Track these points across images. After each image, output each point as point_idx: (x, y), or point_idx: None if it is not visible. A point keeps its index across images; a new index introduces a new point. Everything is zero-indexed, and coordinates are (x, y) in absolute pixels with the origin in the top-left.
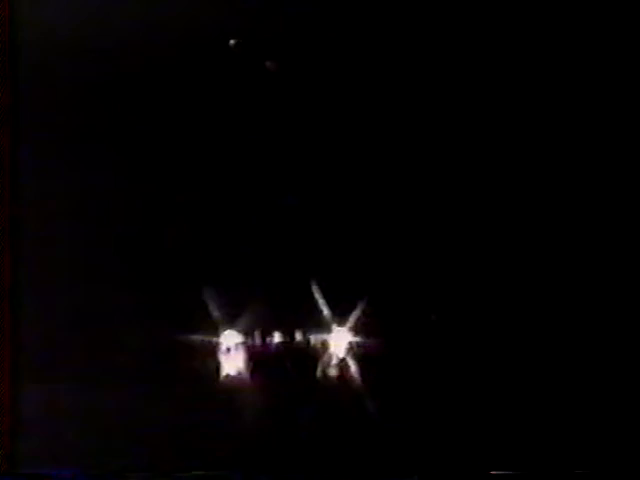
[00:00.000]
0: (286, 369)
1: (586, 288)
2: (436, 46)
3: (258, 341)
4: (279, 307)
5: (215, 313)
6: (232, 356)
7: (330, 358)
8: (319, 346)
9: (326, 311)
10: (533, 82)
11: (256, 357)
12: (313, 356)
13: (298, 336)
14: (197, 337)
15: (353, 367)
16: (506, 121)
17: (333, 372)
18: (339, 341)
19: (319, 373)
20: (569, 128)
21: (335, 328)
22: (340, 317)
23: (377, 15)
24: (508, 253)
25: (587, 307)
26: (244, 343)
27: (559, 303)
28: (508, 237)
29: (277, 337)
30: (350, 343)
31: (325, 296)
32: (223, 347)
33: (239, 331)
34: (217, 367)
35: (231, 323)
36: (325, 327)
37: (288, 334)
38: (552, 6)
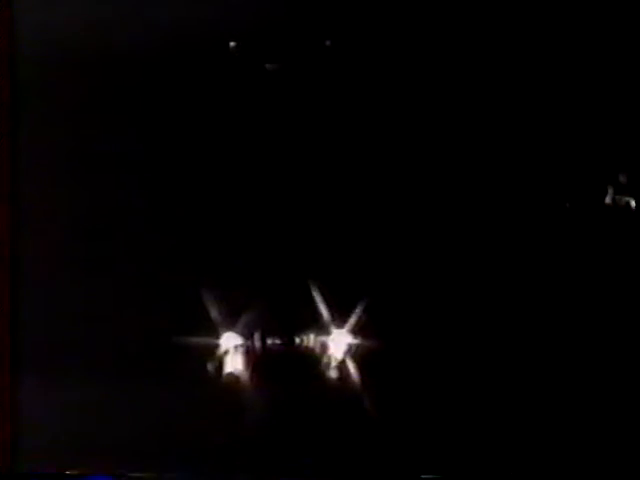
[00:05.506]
0: (285, 371)
1: (587, 287)
2: (436, 47)
3: (257, 343)
4: (278, 309)
5: (215, 315)
6: (232, 358)
7: (329, 360)
8: (318, 348)
9: (325, 313)
10: (531, 89)
11: (255, 359)
12: (312, 358)
13: (297, 338)
14: (197, 339)
15: (352, 369)
16: (507, 123)
17: (332, 374)
18: (338, 343)
19: (318, 375)
20: (569, 130)
21: (334, 330)
22: (339, 319)
23: (377, 16)
24: (509, 254)
25: (586, 305)
26: (244, 345)
27: (560, 304)
28: (508, 237)
29: (276, 339)
30: (349, 345)
31: (324, 298)
32: (223, 349)
33: (239, 333)
34: (217, 369)
35: (231, 325)
36: (324, 329)
37: (287, 336)
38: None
